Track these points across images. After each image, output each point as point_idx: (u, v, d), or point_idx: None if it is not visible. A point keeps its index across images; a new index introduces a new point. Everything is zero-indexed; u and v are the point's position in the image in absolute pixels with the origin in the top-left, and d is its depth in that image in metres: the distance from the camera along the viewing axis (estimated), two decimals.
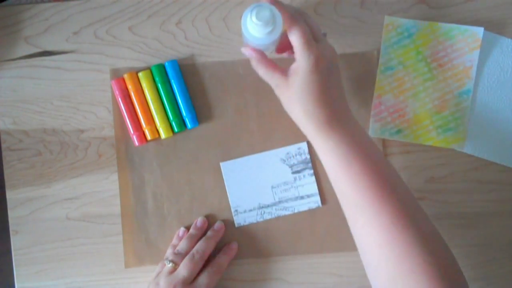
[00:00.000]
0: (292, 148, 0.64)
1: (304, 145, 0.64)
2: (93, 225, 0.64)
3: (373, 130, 0.64)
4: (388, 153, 0.65)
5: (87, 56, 0.64)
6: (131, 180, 0.64)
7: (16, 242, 0.64)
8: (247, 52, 0.56)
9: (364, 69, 0.65)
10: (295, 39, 0.52)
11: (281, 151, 0.64)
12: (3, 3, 0.65)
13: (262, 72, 0.55)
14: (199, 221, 0.64)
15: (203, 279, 0.60)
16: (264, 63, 0.55)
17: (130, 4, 0.64)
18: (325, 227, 0.64)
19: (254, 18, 0.54)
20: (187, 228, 0.64)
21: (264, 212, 0.64)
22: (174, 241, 0.64)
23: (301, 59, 0.52)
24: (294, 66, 0.53)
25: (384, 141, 0.65)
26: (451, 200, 0.65)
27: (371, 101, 0.64)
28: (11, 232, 0.64)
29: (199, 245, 0.62)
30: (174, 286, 0.59)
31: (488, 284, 0.64)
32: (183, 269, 0.60)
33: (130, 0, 0.64)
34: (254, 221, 0.64)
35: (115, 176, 0.64)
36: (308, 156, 0.64)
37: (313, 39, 0.53)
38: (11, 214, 0.64)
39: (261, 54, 0.56)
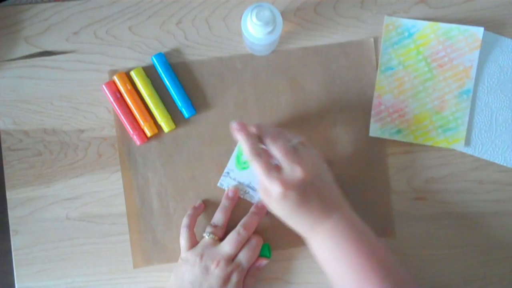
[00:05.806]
0: None
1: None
2: (93, 225, 0.64)
3: (373, 130, 0.64)
4: (388, 153, 0.65)
5: (87, 56, 0.64)
6: (135, 180, 0.64)
7: (16, 242, 0.64)
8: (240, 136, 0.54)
9: (361, 57, 0.65)
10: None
11: None
12: (3, 3, 0.65)
13: (257, 168, 0.53)
14: (230, 191, 0.63)
15: (243, 254, 0.59)
16: (262, 163, 0.52)
17: (130, 4, 0.64)
18: None
19: (254, 18, 0.55)
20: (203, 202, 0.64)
21: None
22: (191, 211, 0.63)
23: (269, 189, 0.52)
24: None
25: (384, 141, 0.65)
26: (451, 200, 0.65)
27: (371, 101, 0.64)
28: (11, 232, 0.64)
29: (245, 221, 0.61)
30: (218, 262, 0.58)
31: (488, 284, 0.64)
32: (228, 246, 0.59)
33: (130, 0, 0.64)
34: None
35: (115, 176, 0.64)
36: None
37: (288, 156, 0.52)
38: (11, 214, 0.64)
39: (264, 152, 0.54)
